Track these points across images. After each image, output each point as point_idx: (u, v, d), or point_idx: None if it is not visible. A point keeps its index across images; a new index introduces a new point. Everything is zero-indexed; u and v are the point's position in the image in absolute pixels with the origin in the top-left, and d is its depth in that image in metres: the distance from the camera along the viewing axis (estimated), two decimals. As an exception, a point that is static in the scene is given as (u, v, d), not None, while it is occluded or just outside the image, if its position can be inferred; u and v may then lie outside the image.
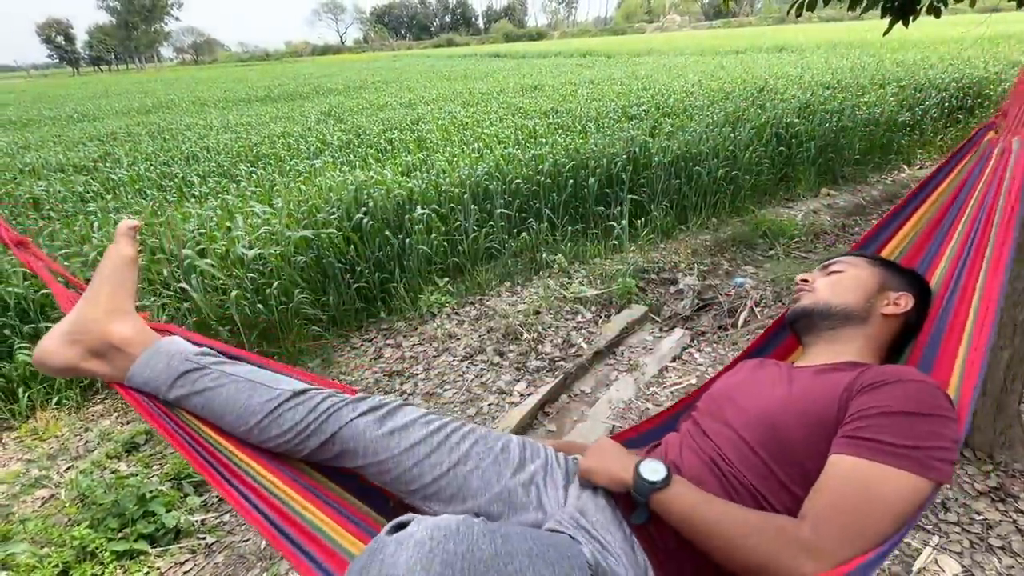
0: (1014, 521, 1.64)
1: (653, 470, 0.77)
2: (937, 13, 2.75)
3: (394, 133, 6.27)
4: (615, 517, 0.80)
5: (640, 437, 1.17)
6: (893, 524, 0.66)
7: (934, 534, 1.62)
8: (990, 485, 1.76)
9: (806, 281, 1.02)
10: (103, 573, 1.53)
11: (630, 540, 0.77)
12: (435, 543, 0.56)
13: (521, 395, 2.33)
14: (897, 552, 1.58)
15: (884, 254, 1.11)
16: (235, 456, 0.87)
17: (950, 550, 1.58)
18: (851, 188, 4.92)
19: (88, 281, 0.95)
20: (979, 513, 1.68)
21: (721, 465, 0.81)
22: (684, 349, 2.62)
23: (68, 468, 2.05)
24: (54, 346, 0.89)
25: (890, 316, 0.93)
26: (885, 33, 2.94)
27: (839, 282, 0.97)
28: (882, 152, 5.37)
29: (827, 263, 1.04)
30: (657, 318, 3.08)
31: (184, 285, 2.67)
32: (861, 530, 0.65)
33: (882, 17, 2.70)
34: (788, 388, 0.85)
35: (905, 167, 5.43)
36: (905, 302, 0.93)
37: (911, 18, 2.65)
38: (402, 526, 0.60)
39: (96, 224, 3.35)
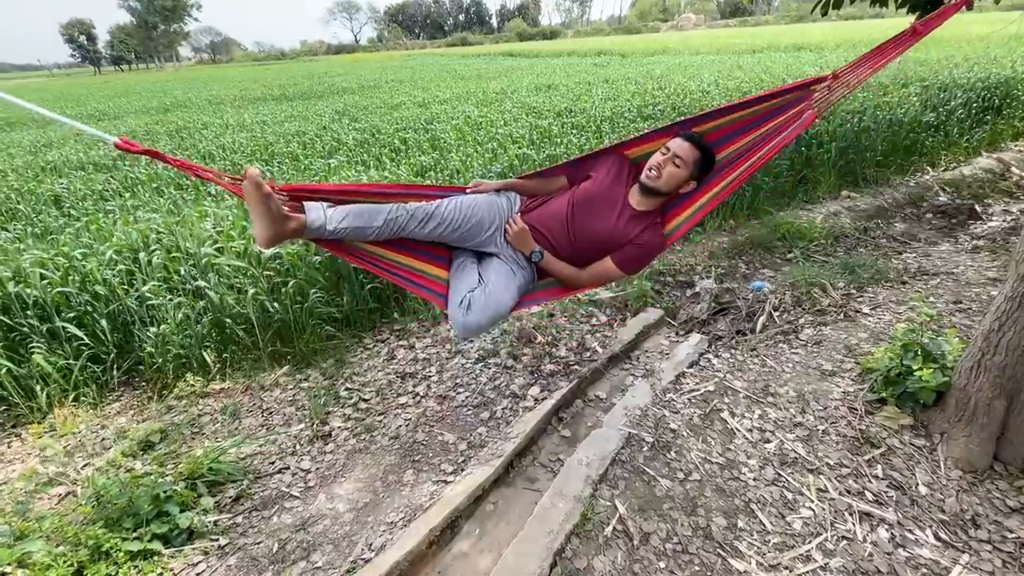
0: (1049, 540, 1.57)
1: (538, 253, 1.74)
2: (969, 5, 2.65)
3: (408, 132, 6.27)
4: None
5: (542, 174, 1.93)
6: (603, 279, 1.79)
7: (964, 552, 1.57)
8: (1022, 502, 1.69)
9: (660, 167, 1.66)
10: (117, 573, 1.53)
11: (531, 264, 1.79)
12: (476, 305, 1.62)
13: (535, 399, 2.30)
14: (925, 571, 1.52)
15: (703, 128, 1.73)
16: (370, 249, 1.70)
17: (981, 569, 1.52)
18: (873, 190, 4.80)
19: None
20: (1011, 531, 1.61)
21: (571, 239, 1.74)
22: (701, 355, 2.57)
23: (85, 465, 2.07)
24: (264, 241, 1.50)
25: (682, 193, 1.76)
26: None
27: (673, 177, 1.66)
28: (905, 153, 5.24)
29: (675, 151, 1.65)
30: (673, 322, 3.03)
31: (201, 284, 2.68)
32: (597, 278, 1.78)
33: (907, 13, 2.62)
34: (616, 220, 1.70)
35: (929, 169, 5.29)
36: (690, 188, 1.73)
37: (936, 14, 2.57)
38: (465, 304, 1.63)
39: (117, 222, 3.39)
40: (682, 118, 1.81)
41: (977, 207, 4.34)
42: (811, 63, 10.41)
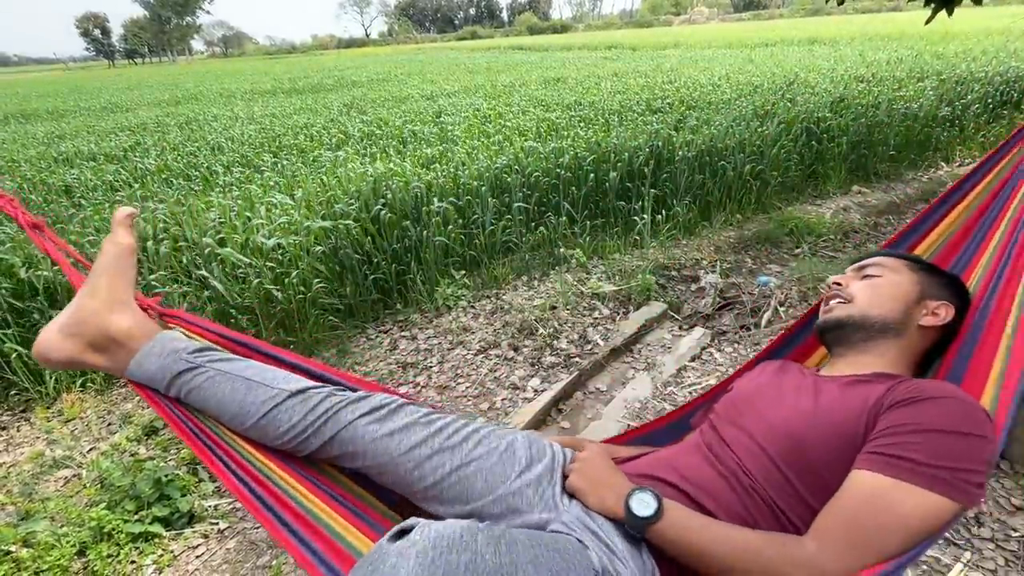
0: (1054, 540, 1.55)
1: (643, 503, 0.73)
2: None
3: (416, 125, 6.27)
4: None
5: (646, 437, 1.13)
6: (902, 544, 0.63)
7: (966, 550, 1.54)
8: (1029, 500, 1.66)
9: (839, 285, 0.94)
10: (119, 554, 1.56)
11: (637, 543, 0.74)
12: (438, 553, 0.53)
13: (535, 391, 2.30)
14: (925, 568, 1.50)
15: (916, 253, 1.05)
16: (239, 446, 0.86)
17: (983, 567, 1.49)
18: (885, 185, 4.73)
19: None
20: (1015, 530, 1.59)
21: (741, 478, 0.77)
22: (704, 348, 2.55)
23: (91, 450, 2.10)
24: (54, 339, 0.87)
25: (928, 327, 0.87)
26: (927, 22, 2.81)
27: (877, 290, 0.90)
28: (919, 148, 5.14)
29: (862, 263, 0.97)
30: (677, 316, 3.01)
31: (205, 273, 2.71)
32: (868, 546, 0.63)
33: (925, 5, 2.57)
34: (814, 400, 0.80)
35: (943, 164, 5.19)
36: (945, 313, 0.87)
37: (954, 6, 2.52)
38: (404, 532, 0.58)
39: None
40: (858, 260, 1.00)
41: (992, 203, 4.26)
42: (825, 57, 10.25)
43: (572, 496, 0.81)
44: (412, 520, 0.59)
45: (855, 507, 0.65)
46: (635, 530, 0.73)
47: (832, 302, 0.94)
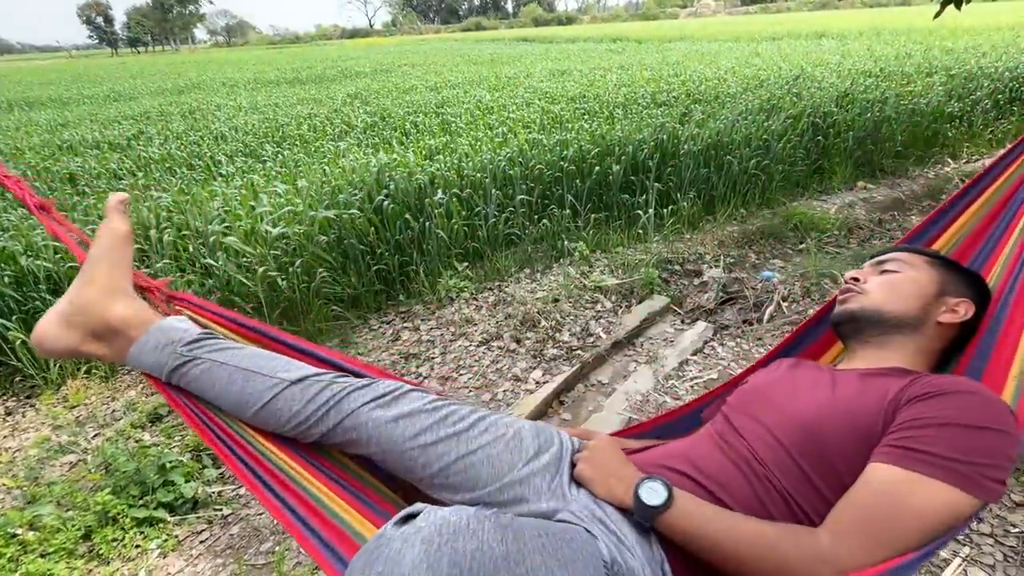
0: (1053, 536, 1.55)
1: (653, 491, 0.72)
2: None
3: (419, 116, 6.24)
4: None
5: (656, 430, 1.12)
6: (920, 538, 0.62)
7: (965, 545, 1.55)
8: (1028, 497, 1.67)
9: (856, 280, 0.93)
10: (123, 538, 1.57)
11: (647, 532, 0.73)
12: (443, 540, 0.53)
13: (537, 383, 2.31)
14: (925, 562, 1.51)
15: (934, 249, 1.04)
16: (244, 431, 0.85)
17: (982, 563, 1.50)
18: (890, 181, 4.70)
19: None
20: (1015, 526, 1.59)
21: (754, 466, 0.76)
22: (706, 343, 2.55)
23: (95, 436, 2.12)
24: (52, 329, 0.85)
25: (947, 324, 0.86)
26: (936, 16, 2.78)
27: (894, 285, 0.89)
28: (926, 144, 5.11)
29: (880, 258, 0.96)
30: (679, 310, 3.01)
31: (209, 262, 2.72)
32: (883, 539, 0.62)
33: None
34: (831, 392, 0.79)
35: (950, 160, 5.15)
36: (965, 310, 0.86)
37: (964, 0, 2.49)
38: (410, 518, 0.57)
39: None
40: (876, 254, 1.00)
41: (998, 200, 4.23)
42: (833, 51, 10.15)
43: (580, 485, 0.80)
44: (418, 505, 0.59)
45: (871, 500, 0.64)
46: (644, 519, 0.71)
47: (847, 295, 0.92)
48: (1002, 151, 1.04)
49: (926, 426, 0.66)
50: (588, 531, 0.70)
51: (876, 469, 0.66)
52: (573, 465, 0.83)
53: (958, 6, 2.49)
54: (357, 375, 0.91)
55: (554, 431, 0.89)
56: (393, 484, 0.93)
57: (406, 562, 0.51)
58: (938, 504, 0.62)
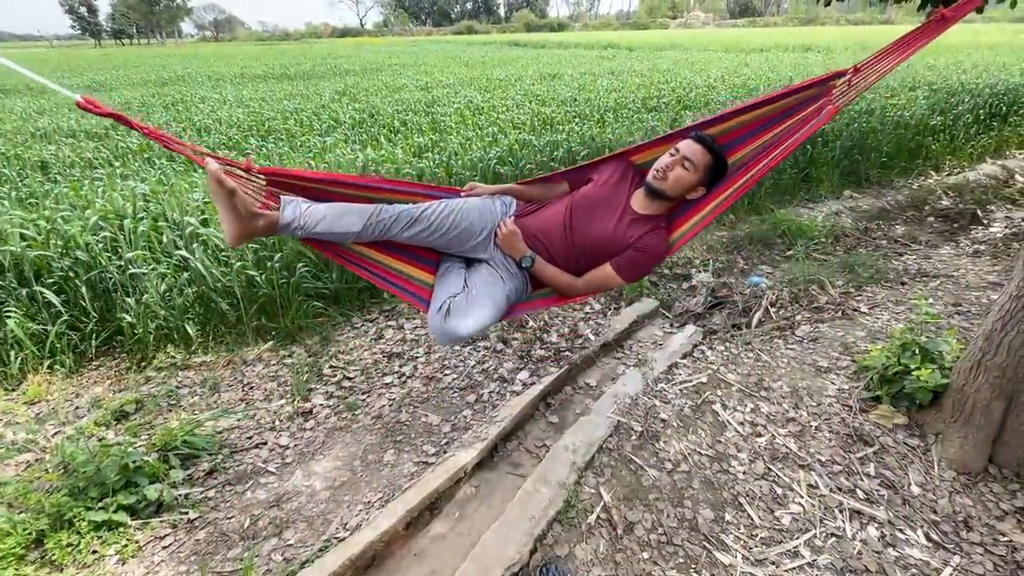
0: (1041, 545, 1.53)
1: (528, 258, 1.60)
2: (979, 9, 2.60)
3: (408, 115, 6.17)
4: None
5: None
6: (603, 287, 1.65)
7: (955, 554, 1.52)
8: (1016, 505, 1.65)
9: (668, 168, 1.56)
10: (79, 543, 1.47)
11: (523, 271, 1.65)
12: (456, 312, 1.46)
13: (524, 384, 2.25)
14: (914, 572, 1.48)
15: (715, 130, 1.59)
16: (354, 247, 1.57)
17: (971, 571, 1.48)
18: (875, 191, 4.75)
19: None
20: (1004, 534, 1.57)
21: (570, 248, 1.61)
22: (695, 346, 2.52)
23: (55, 433, 2.00)
24: (234, 239, 1.38)
25: (687, 199, 1.63)
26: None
27: (680, 180, 1.55)
28: (910, 156, 5.18)
29: (686, 154, 1.54)
30: (668, 314, 2.97)
31: (185, 254, 2.61)
32: (595, 286, 1.63)
33: (919, 10, 2.55)
34: (615, 224, 1.59)
35: (933, 172, 5.24)
36: (699, 194, 1.61)
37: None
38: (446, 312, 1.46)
39: (101, 190, 3.30)
40: (691, 124, 1.66)
41: (979, 212, 4.29)
42: (818, 64, 10.32)
43: (498, 247, 1.63)
44: (448, 302, 1.47)
45: (599, 273, 1.61)
46: (524, 268, 1.62)
47: (658, 174, 1.57)
48: (795, 84, 1.52)
49: (630, 257, 1.58)
50: (502, 278, 1.59)
51: (607, 265, 1.60)
52: (496, 235, 1.62)
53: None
54: (409, 195, 1.64)
55: (489, 210, 1.64)
56: (430, 251, 1.66)
57: (450, 324, 1.44)
58: (610, 275, 1.59)
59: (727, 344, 2.56)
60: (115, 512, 1.54)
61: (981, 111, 5.87)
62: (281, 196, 1.44)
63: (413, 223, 1.50)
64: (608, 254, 1.58)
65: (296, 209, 1.41)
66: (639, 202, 1.62)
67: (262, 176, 1.42)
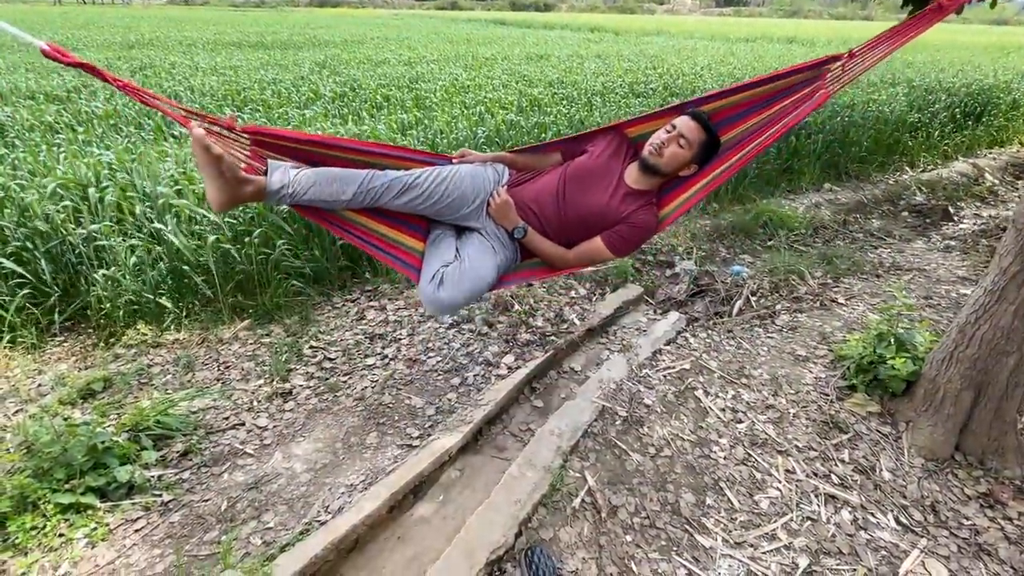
0: (1002, 528, 1.61)
1: (520, 229, 1.60)
2: (959, 10, 2.62)
3: (392, 89, 5.99)
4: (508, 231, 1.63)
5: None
6: (591, 260, 1.66)
7: (922, 537, 1.59)
8: (979, 491, 1.73)
9: (663, 145, 1.55)
10: (45, 526, 1.41)
11: (514, 242, 1.64)
12: (448, 281, 1.46)
13: (509, 368, 2.23)
14: (884, 554, 1.53)
15: (710, 108, 1.60)
16: (343, 213, 1.53)
17: (938, 554, 1.54)
18: (853, 185, 4.84)
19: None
20: (967, 518, 1.64)
21: (562, 219, 1.61)
22: (679, 333, 2.54)
23: (17, 411, 1.91)
24: (219, 206, 1.33)
25: (681, 175, 1.63)
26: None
27: (675, 157, 1.56)
28: (887, 151, 5.29)
29: (682, 131, 1.54)
30: (651, 300, 2.99)
31: (158, 226, 2.49)
32: (584, 259, 1.65)
33: (902, 7, 2.56)
34: (608, 198, 1.59)
35: (909, 168, 5.36)
36: (692, 170, 1.62)
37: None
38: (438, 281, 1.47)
39: (63, 156, 3.11)
40: (687, 100, 1.65)
41: (950, 208, 4.43)
42: (803, 56, 10.40)
43: (490, 216, 1.62)
44: (440, 271, 1.48)
45: (589, 246, 1.61)
46: (516, 237, 1.62)
47: (653, 149, 1.57)
48: (788, 67, 1.53)
49: (621, 231, 1.59)
50: (492, 248, 1.58)
51: (597, 239, 1.60)
52: (489, 204, 1.61)
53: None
54: (401, 160, 1.62)
55: (482, 178, 1.63)
56: (420, 218, 1.62)
57: (440, 294, 1.45)
58: (601, 248, 1.60)
59: (709, 332, 2.59)
60: (83, 494, 1.48)
61: (957, 110, 6.01)
62: (268, 161, 1.39)
63: (405, 191, 1.48)
64: (600, 227, 1.59)
65: (285, 175, 1.37)
66: (633, 176, 1.62)
67: (246, 135, 1.35)
